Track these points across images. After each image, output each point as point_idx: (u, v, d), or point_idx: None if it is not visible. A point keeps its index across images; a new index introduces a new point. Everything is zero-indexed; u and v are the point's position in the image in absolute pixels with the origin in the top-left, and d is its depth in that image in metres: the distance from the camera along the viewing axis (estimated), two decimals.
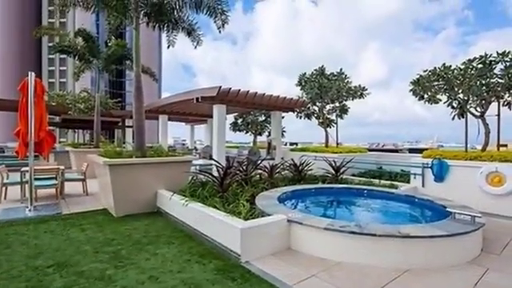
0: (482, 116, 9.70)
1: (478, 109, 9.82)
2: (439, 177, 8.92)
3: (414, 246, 4.60)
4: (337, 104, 16.70)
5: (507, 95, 9.34)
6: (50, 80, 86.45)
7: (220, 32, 10.18)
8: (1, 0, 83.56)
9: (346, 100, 16.44)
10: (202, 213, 5.82)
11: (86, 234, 6.04)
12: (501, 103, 9.46)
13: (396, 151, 32.24)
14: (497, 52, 9.10)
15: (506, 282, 4.23)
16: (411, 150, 32.95)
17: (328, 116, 17.23)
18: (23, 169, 8.66)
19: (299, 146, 20.49)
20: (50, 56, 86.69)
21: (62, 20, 78.15)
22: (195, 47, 10.92)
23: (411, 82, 11.03)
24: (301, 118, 17.76)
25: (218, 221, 5.29)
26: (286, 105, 14.97)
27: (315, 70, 17.39)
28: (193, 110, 18.93)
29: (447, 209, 5.80)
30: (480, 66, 9.36)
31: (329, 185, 9.27)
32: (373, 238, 4.58)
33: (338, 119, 17.06)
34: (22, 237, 5.80)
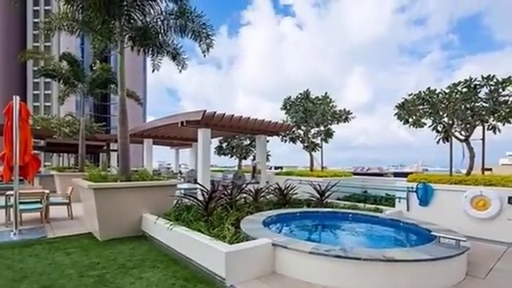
0: (466, 140, 9.72)
1: (463, 133, 9.82)
2: (424, 201, 8.98)
3: (399, 270, 4.62)
4: (322, 128, 16.83)
5: (492, 119, 9.35)
6: (35, 104, 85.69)
7: (205, 56, 10.35)
8: None
9: (330, 124, 16.60)
10: (186, 237, 5.77)
11: (71, 257, 5.97)
12: (485, 127, 9.51)
13: (381, 175, 32.57)
14: (481, 76, 9.14)
15: None
16: (396, 174, 33.25)
17: (313, 140, 17.31)
18: (8, 192, 8.65)
19: (284, 170, 20.48)
20: (35, 80, 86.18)
21: (47, 44, 77.91)
22: (180, 71, 10.99)
23: (396, 106, 10.97)
24: (286, 141, 17.79)
25: (202, 245, 5.25)
26: (271, 129, 15.11)
27: (300, 93, 17.55)
28: (178, 134, 18.92)
29: (432, 233, 5.84)
30: (465, 89, 9.40)
31: (314, 209, 9.25)
32: (358, 261, 4.59)
33: (323, 143, 17.16)
34: (6, 260, 5.72)
